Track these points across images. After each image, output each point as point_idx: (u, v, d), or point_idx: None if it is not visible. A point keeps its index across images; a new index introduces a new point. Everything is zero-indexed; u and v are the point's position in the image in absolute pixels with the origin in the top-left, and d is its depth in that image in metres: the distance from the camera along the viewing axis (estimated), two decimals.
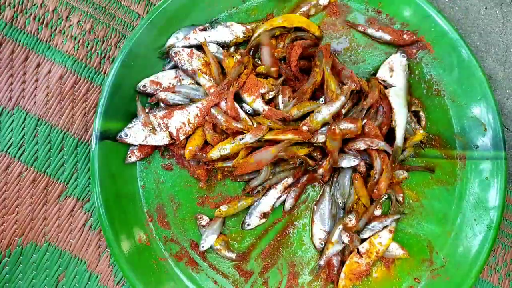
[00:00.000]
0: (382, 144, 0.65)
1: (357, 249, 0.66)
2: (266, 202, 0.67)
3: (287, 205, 0.68)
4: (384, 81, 0.67)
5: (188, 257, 0.67)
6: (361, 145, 0.65)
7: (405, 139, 0.67)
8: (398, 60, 0.68)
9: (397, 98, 0.66)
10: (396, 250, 0.67)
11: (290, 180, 0.67)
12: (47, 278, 0.66)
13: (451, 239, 0.67)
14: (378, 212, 0.68)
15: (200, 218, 0.67)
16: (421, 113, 0.69)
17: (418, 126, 0.68)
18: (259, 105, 0.64)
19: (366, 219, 0.67)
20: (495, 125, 0.66)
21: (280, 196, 0.68)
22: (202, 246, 0.66)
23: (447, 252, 0.67)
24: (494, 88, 0.73)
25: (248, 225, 0.67)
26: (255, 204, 0.67)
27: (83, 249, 0.67)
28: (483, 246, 0.65)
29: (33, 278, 0.66)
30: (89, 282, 0.66)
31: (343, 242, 0.66)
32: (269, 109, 0.64)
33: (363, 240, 0.67)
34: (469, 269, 0.65)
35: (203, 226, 0.67)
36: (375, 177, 0.65)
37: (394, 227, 0.67)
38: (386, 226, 0.67)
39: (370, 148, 0.65)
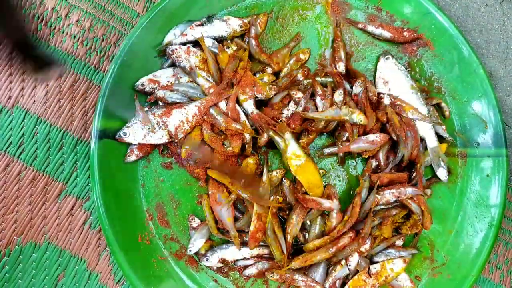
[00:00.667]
0: (410, 192, 0.64)
1: (368, 268, 0.65)
2: (231, 253, 0.65)
3: (247, 272, 0.66)
4: (388, 95, 0.67)
5: (188, 256, 0.66)
6: (390, 197, 0.64)
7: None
8: (384, 66, 0.67)
9: (412, 103, 0.66)
10: (405, 281, 0.66)
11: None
12: (46, 277, 0.66)
13: (452, 237, 0.67)
14: (400, 242, 0.67)
15: (192, 219, 0.66)
16: (442, 104, 0.68)
17: (440, 124, 0.67)
18: (249, 106, 0.64)
19: (385, 246, 0.66)
20: (496, 122, 0.66)
21: (247, 259, 0.66)
22: (190, 250, 0.65)
23: (448, 250, 0.67)
24: (495, 85, 0.73)
25: (207, 260, 0.65)
26: (223, 246, 0.66)
27: (82, 248, 0.66)
28: (484, 243, 0.65)
29: (33, 278, 0.66)
30: (89, 281, 0.66)
31: (348, 267, 0.65)
32: (257, 113, 0.64)
33: (375, 263, 0.66)
34: (470, 267, 0.65)
35: (194, 228, 0.66)
36: (419, 219, 0.65)
37: (409, 259, 0.66)
38: (401, 256, 0.66)
39: (400, 199, 0.65)
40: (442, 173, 0.66)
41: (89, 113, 0.67)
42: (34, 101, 0.67)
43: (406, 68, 0.68)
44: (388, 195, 0.64)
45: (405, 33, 0.68)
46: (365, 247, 0.64)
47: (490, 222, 0.65)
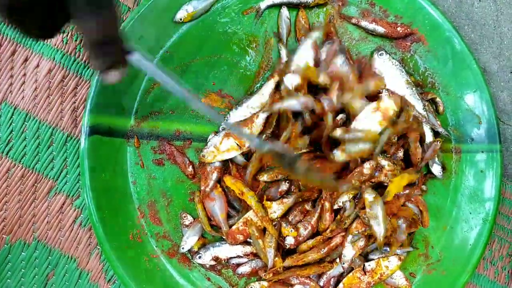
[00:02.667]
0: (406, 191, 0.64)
1: (363, 265, 0.65)
2: (225, 250, 0.64)
3: (240, 270, 0.65)
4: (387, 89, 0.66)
5: (181, 254, 0.65)
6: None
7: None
8: (378, 62, 0.66)
9: (408, 98, 0.66)
10: (399, 279, 0.65)
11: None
12: (36, 276, 0.65)
13: (446, 233, 0.67)
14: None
15: (184, 217, 0.65)
16: (437, 99, 0.67)
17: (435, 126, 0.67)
18: None
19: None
20: (490, 117, 0.66)
21: (240, 257, 0.65)
22: (182, 248, 0.64)
23: (442, 247, 0.66)
24: (488, 80, 0.73)
25: (200, 257, 0.64)
26: (217, 243, 0.65)
27: (73, 246, 0.65)
28: (479, 239, 0.65)
29: (22, 277, 0.65)
30: (79, 280, 0.65)
31: (342, 265, 0.64)
32: None
33: (370, 260, 0.65)
34: (465, 263, 0.65)
35: (186, 226, 0.65)
36: (418, 218, 0.65)
37: (404, 256, 0.65)
38: (396, 254, 0.65)
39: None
40: (436, 169, 0.66)
41: (79, 109, 0.66)
42: (23, 97, 0.65)
43: (400, 63, 0.67)
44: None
45: (398, 28, 0.68)
46: (360, 244, 0.64)
47: (485, 217, 0.65)
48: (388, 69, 0.66)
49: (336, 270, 0.64)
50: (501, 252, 0.70)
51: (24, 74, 0.66)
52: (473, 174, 0.67)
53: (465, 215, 0.66)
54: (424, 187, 0.67)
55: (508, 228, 0.70)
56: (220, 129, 0.66)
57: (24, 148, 0.65)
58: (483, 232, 0.65)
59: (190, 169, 0.66)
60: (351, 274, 0.65)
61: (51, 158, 0.66)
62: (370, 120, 0.61)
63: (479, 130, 0.67)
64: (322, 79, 0.63)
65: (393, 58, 0.67)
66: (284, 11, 0.67)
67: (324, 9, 0.68)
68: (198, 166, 0.67)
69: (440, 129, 0.66)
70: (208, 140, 0.66)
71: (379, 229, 0.61)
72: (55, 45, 0.66)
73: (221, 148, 0.64)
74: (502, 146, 0.67)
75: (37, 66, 0.66)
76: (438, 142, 0.65)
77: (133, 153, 0.66)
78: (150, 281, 0.64)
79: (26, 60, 0.66)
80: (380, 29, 0.68)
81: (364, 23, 0.68)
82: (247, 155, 0.66)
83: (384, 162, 0.62)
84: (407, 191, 0.64)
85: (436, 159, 0.66)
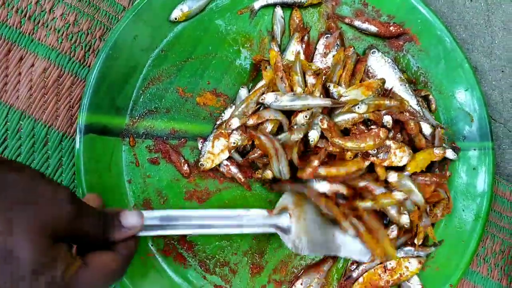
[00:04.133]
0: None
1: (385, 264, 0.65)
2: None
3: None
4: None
5: (176, 252, 0.66)
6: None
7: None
8: (371, 60, 0.67)
9: (402, 94, 0.66)
10: (416, 285, 0.65)
11: None
12: None
13: (440, 230, 0.67)
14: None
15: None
16: (430, 96, 0.68)
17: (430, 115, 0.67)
18: None
19: (406, 239, 0.65)
20: (481, 115, 0.67)
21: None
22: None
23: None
24: (480, 79, 0.74)
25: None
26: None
27: None
28: (472, 236, 0.66)
29: None
30: None
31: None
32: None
33: None
34: (459, 260, 0.65)
35: None
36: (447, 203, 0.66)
37: (425, 260, 0.65)
38: (418, 256, 0.65)
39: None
40: (450, 153, 0.66)
41: (74, 108, 0.66)
42: (18, 96, 0.65)
43: (393, 61, 0.68)
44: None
45: (391, 28, 0.69)
46: (393, 234, 0.64)
47: (477, 214, 0.66)
48: (381, 67, 0.67)
49: (360, 269, 0.65)
50: (494, 249, 0.70)
51: (19, 73, 0.66)
52: (465, 171, 0.67)
53: (458, 212, 0.67)
54: (448, 173, 0.67)
55: (500, 225, 0.71)
56: (215, 127, 0.66)
57: (19, 147, 0.65)
58: (476, 229, 0.66)
59: (185, 167, 0.66)
60: (372, 270, 0.65)
61: (46, 157, 0.66)
62: (354, 94, 0.62)
63: (471, 128, 0.67)
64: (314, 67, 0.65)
65: (386, 56, 0.68)
66: (278, 10, 0.68)
67: (318, 8, 0.69)
68: (193, 165, 0.67)
69: (434, 122, 0.67)
70: (200, 148, 0.66)
71: (419, 198, 0.61)
72: (50, 44, 0.66)
73: (215, 151, 0.64)
74: (494, 144, 0.68)
75: (32, 65, 0.66)
76: (439, 128, 0.66)
77: (128, 152, 0.66)
78: (146, 280, 0.63)
79: (21, 59, 0.66)
80: (373, 29, 0.69)
81: (357, 23, 0.69)
82: (242, 152, 0.66)
83: (388, 142, 0.62)
84: (436, 179, 0.64)
85: (444, 144, 0.67)
